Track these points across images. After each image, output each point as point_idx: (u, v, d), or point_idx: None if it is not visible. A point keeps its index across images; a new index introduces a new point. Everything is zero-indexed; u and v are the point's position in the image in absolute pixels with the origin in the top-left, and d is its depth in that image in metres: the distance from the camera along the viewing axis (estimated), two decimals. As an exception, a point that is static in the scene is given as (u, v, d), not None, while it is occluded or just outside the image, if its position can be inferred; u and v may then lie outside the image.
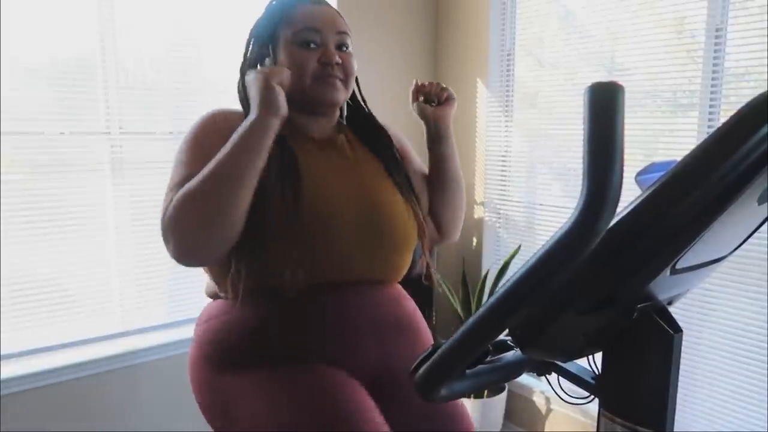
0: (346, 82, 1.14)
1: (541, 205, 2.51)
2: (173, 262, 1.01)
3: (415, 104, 1.27)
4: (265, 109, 0.98)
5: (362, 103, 1.27)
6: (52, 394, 2.03)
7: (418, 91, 1.26)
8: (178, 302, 2.33)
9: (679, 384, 0.73)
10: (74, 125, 2.08)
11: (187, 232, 0.97)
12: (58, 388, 2.04)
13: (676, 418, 0.71)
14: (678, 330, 0.68)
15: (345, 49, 1.14)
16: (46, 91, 2.04)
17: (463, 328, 0.66)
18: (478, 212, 2.72)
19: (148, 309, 2.28)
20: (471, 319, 0.65)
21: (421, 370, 0.72)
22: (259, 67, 1.14)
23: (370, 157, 1.21)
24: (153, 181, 2.23)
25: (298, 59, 1.09)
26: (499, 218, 2.67)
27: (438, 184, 1.28)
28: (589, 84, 0.50)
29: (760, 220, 0.72)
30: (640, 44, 2.09)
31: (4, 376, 1.95)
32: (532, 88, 2.53)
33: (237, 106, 1.15)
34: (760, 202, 0.63)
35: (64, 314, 2.12)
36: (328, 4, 1.16)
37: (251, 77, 1.03)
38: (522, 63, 2.55)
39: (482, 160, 2.68)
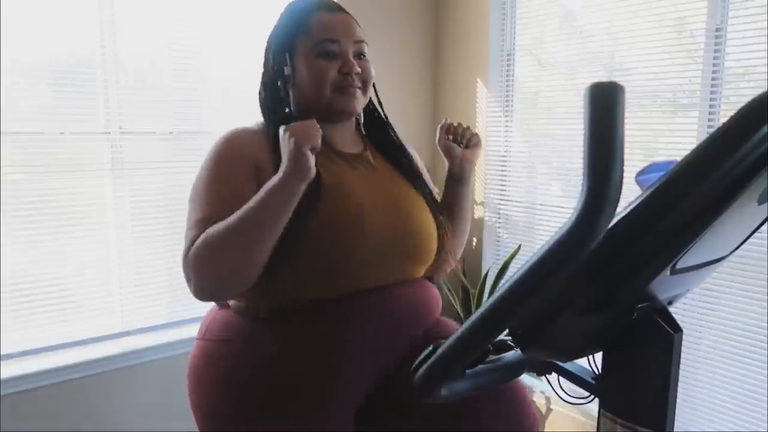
0: (364, 91, 1.14)
1: (541, 205, 2.51)
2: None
3: (441, 142, 1.25)
4: (295, 175, 0.94)
5: (380, 110, 1.25)
6: (52, 394, 2.03)
7: (447, 130, 1.25)
8: (178, 302, 2.33)
9: (679, 384, 0.73)
10: (74, 125, 2.08)
11: (208, 278, 1.01)
12: (58, 388, 2.04)
13: (676, 418, 0.71)
14: (678, 330, 0.68)
15: (363, 57, 1.13)
16: (46, 91, 2.04)
17: (463, 328, 0.66)
18: (478, 212, 2.72)
19: (148, 309, 2.28)
20: (471, 319, 0.65)
21: (421, 370, 0.72)
22: (280, 82, 1.11)
23: (390, 167, 1.21)
24: (153, 181, 2.23)
25: (317, 70, 1.09)
26: (499, 218, 2.67)
27: (446, 220, 1.25)
28: (589, 84, 0.50)
29: (760, 221, 0.72)
30: (640, 44, 2.09)
31: (4, 376, 1.95)
32: (532, 88, 2.53)
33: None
34: (760, 202, 0.64)
35: (64, 314, 2.12)
36: (345, 11, 1.15)
37: (282, 135, 0.97)
38: (522, 63, 2.55)
39: (482, 160, 2.67)
